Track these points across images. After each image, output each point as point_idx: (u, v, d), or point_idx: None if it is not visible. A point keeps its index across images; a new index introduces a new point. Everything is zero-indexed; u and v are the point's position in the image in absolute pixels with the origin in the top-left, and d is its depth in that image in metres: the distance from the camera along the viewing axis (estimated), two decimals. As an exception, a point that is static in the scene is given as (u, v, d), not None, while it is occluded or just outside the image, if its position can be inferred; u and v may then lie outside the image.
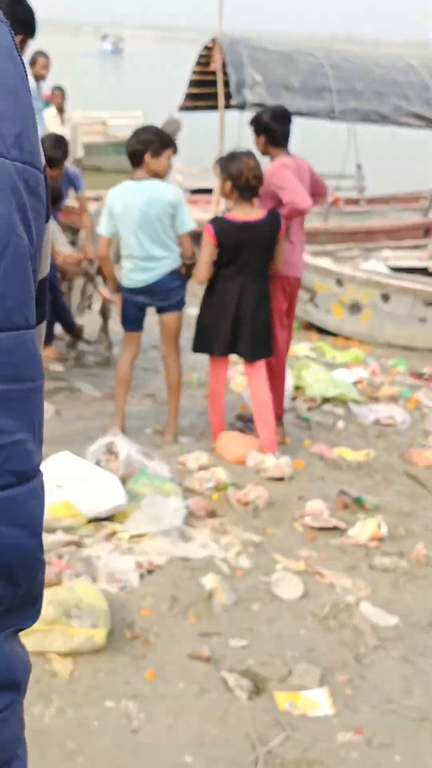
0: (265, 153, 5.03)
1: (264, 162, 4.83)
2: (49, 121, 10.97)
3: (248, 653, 3.17)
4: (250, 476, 4.66)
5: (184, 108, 12.53)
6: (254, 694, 3.00)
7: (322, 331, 8.20)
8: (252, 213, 4.65)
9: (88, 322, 6.61)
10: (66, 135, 10.91)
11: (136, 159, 4.69)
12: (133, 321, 4.93)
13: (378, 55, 12.26)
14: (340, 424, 5.68)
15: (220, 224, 4.66)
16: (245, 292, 4.70)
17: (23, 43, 3.57)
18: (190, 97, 12.36)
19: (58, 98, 11.29)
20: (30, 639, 2.92)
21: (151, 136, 4.67)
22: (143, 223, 4.63)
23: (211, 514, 4.14)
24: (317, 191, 5.14)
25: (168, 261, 4.74)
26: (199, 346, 4.95)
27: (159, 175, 4.69)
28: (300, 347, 7.50)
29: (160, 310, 4.89)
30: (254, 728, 2.80)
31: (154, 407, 5.59)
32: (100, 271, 6.08)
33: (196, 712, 2.84)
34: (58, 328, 6.45)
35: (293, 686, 3.04)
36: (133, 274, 4.77)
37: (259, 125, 4.98)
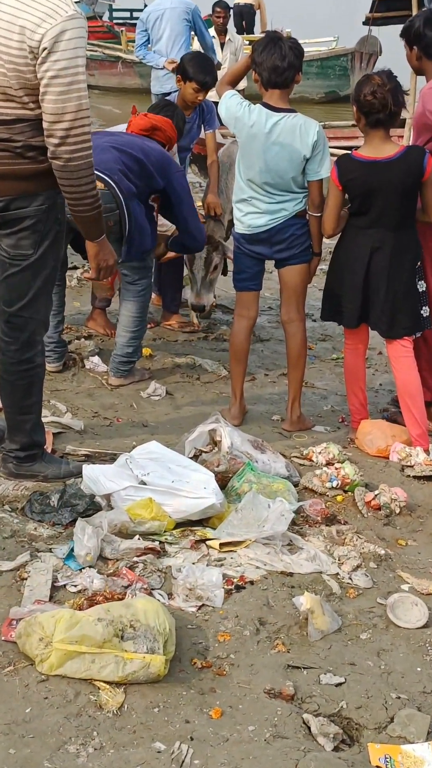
0: (419, 71, 4.82)
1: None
2: None
3: (343, 693, 3.07)
4: (391, 474, 4.52)
5: (370, 21, 12.21)
6: (342, 744, 2.90)
7: None
8: (383, 149, 4.46)
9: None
10: (225, 60, 11.02)
11: (286, 79, 4.54)
12: (248, 278, 4.89)
13: None
14: None
15: (345, 164, 4.52)
16: (379, 248, 4.55)
17: None
18: (379, 6, 12.00)
19: (220, 18, 11.32)
20: (75, 663, 2.98)
21: (300, 50, 4.55)
22: (271, 163, 4.56)
23: (330, 520, 4.05)
24: None
25: (292, 204, 4.66)
26: (328, 313, 4.85)
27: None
28: None
29: (281, 263, 4.81)
30: (331, 787, 2.70)
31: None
32: (228, 234, 6.07)
33: (263, 763, 2.78)
34: (186, 294, 6.52)
35: (393, 738, 2.91)
36: (250, 218, 4.72)
37: (410, 35, 4.77)
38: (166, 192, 5.21)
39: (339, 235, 4.71)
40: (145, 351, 5.79)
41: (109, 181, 4.82)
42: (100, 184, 4.41)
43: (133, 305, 5.28)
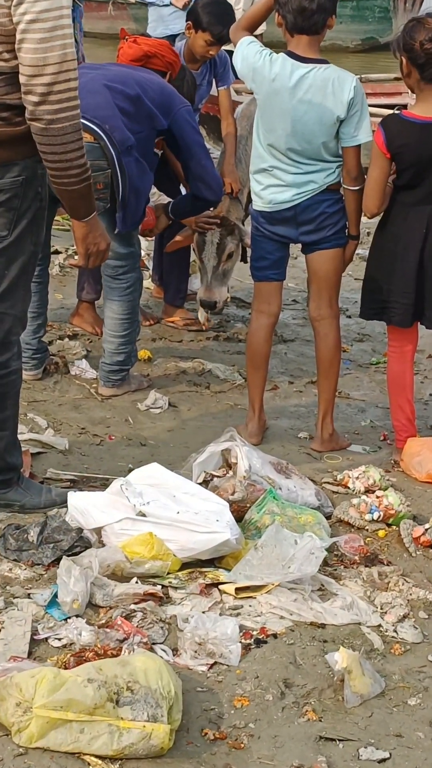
0: None
1: None
2: None
3: (388, 771, 3.07)
4: (445, 504, 4.53)
5: None
6: None
7: None
8: None
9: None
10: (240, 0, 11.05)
11: (316, 24, 4.54)
12: (268, 265, 4.91)
13: None
14: None
15: (395, 127, 4.54)
16: None
17: None
18: None
19: None
20: (60, 733, 2.98)
21: None
22: (298, 125, 4.58)
23: (370, 560, 4.06)
24: None
25: (323, 175, 4.68)
26: (370, 311, 4.87)
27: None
28: None
29: (309, 248, 4.85)
30: None
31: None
32: (246, 214, 6.08)
33: None
34: (195, 284, 6.52)
35: None
36: (272, 193, 4.74)
37: None
38: (172, 133, 5.17)
39: (381, 215, 4.72)
40: (143, 354, 5.80)
41: (99, 132, 4.79)
42: (88, 136, 4.38)
43: (120, 306, 5.26)
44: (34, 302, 4.93)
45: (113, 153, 4.81)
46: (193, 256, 6.27)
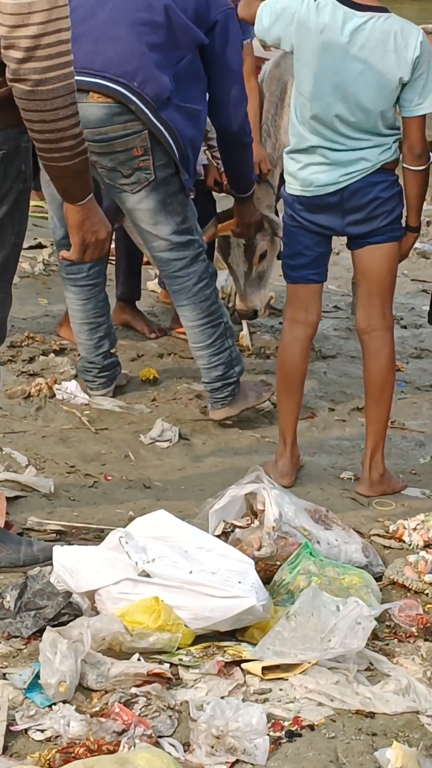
0: None
1: None
2: None
3: None
4: None
5: None
6: None
7: None
8: None
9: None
10: None
11: None
12: (306, 263, 4.93)
13: None
14: None
15: None
16: None
17: None
18: None
19: None
20: None
21: None
22: (351, 88, 4.59)
23: (431, 632, 4.04)
24: None
25: (377, 151, 4.70)
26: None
27: None
28: None
29: (357, 242, 4.86)
30: None
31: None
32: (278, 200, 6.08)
33: None
34: (219, 280, 6.51)
35: None
36: (313, 173, 4.76)
37: None
38: (203, 47, 5.15)
39: None
40: (147, 372, 5.80)
41: (127, 94, 4.77)
42: (105, 99, 4.41)
43: (192, 310, 5.27)
44: (90, 310, 5.22)
45: (148, 114, 4.81)
46: (216, 254, 6.25)
